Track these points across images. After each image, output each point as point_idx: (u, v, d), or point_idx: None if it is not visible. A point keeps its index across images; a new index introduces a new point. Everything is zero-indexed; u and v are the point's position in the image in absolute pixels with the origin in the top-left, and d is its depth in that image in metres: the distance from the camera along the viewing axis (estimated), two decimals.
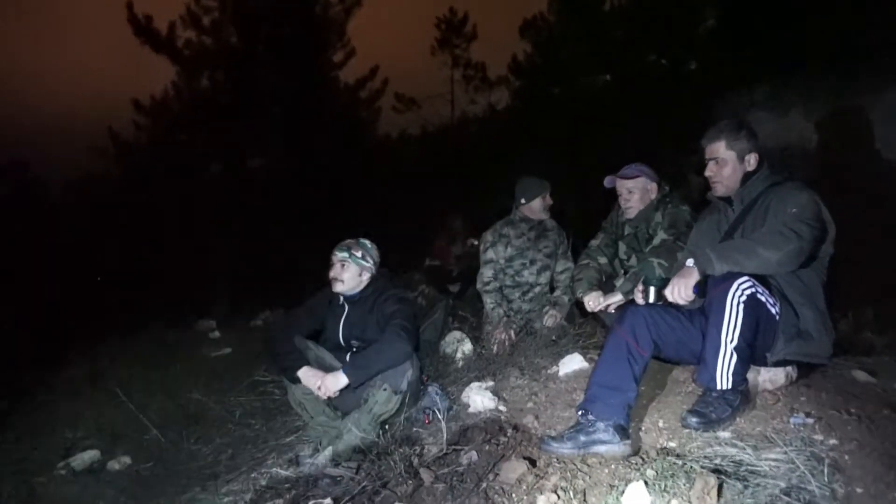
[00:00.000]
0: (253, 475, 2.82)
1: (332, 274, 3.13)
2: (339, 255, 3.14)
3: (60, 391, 4.75)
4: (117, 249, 13.44)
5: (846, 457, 1.86)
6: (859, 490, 1.69)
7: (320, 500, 2.29)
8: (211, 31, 11.72)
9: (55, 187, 18.51)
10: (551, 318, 3.95)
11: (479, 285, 4.32)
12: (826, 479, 1.72)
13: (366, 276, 3.17)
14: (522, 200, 4.19)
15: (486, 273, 4.27)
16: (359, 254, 3.14)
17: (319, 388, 2.80)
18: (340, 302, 3.19)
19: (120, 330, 6.83)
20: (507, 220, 4.31)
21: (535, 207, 4.19)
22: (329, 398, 2.89)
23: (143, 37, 11.36)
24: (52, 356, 6.05)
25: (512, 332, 3.91)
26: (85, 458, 3.43)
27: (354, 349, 3.07)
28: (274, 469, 2.79)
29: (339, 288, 3.13)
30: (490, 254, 4.27)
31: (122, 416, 3.87)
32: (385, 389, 2.76)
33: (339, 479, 2.52)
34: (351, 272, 3.13)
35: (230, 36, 11.92)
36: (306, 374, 2.87)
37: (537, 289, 4.22)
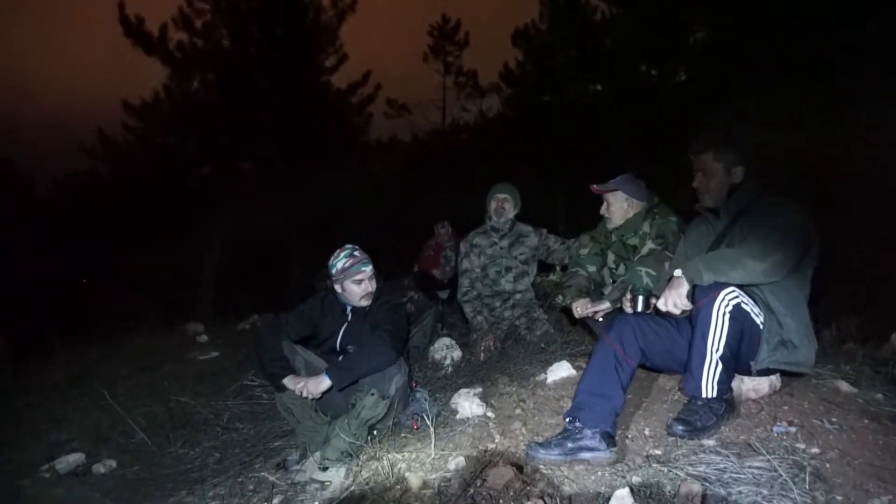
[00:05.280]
0: (240, 479, 2.81)
1: (366, 289, 3.08)
2: (367, 268, 3.08)
3: (45, 393, 4.70)
4: (104, 250, 13.34)
5: (827, 465, 1.89)
6: (839, 498, 1.72)
7: None
8: (203, 34, 11.69)
9: (42, 185, 18.37)
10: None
11: (458, 296, 4.41)
12: (807, 486, 1.75)
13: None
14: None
15: (464, 283, 4.36)
16: (371, 264, 3.13)
17: (302, 390, 2.80)
18: (346, 311, 3.17)
19: (106, 331, 6.79)
20: (480, 230, 4.39)
21: (490, 210, 4.30)
22: (317, 403, 2.89)
23: (135, 38, 11.31)
24: (37, 357, 5.99)
25: (496, 339, 3.94)
26: (70, 460, 3.39)
27: None
28: (262, 473, 2.79)
29: (368, 301, 3.10)
30: (465, 264, 4.36)
31: (109, 418, 3.84)
32: (373, 394, 2.77)
33: (326, 483, 2.52)
34: (375, 284, 3.12)
35: (222, 38, 11.90)
36: (291, 380, 2.88)
37: (518, 296, 4.26)
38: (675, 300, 2.31)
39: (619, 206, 3.43)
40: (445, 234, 6.79)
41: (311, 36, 12.74)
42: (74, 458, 3.41)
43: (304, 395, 2.80)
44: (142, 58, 11.39)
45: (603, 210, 3.51)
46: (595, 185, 3.48)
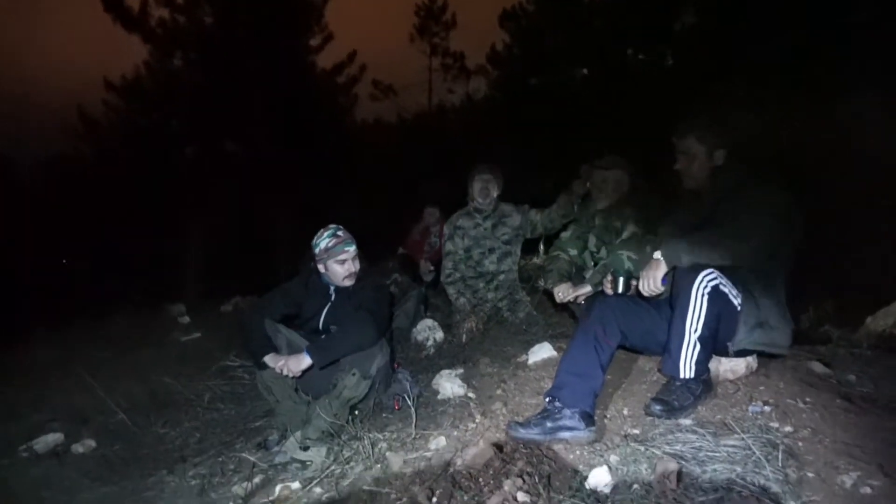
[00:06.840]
0: (221, 459, 2.81)
1: (349, 269, 3.04)
2: (351, 248, 3.04)
3: (25, 373, 4.66)
4: (86, 231, 13.16)
5: (800, 443, 1.93)
6: (810, 475, 1.76)
7: (288, 484, 2.31)
8: (184, 10, 11.47)
9: (22, 166, 18.03)
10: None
11: (442, 277, 4.42)
12: (780, 464, 1.78)
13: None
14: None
15: (447, 265, 4.37)
16: (355, 244, 3.10)
17: (283, 368, 2.79)
18: (330, 291, 3.14)
19: (88, 312, 6.72)
20: (463, 212, 4.39)
21: (474, 192, 4.30)
22: (298, 382, 2.88)
23: (114, 13, 11.06)
24: (17, 337, 5.92)
25: (478, 321, 3.95)
26: (48, 440, 3.36)
27: None
28: (242, 453, 2.79)
29: (352, 281, 3.07)
30: (449, 246, 4.37)
31: (89, 399, 3.80)
32: (354, 374, 2.76)
33: (307, 463, 2.53)
34: (358, 264, 3.10)
35: (205, 15, 11.68)
36: (272, 358, 2.85)
37: (501, 276, 4.27)
38: (650, 282, 2.34)
39: (615, 185, 3.46)
40: (433, 217, 6.75)
41: (297, 14, 12.55)
42: (53, 438, 3.38)
43: (285, 372, 2.78)
44: (122, 36, 11.18)
45: (597, 190, 3.52)
46: (590, 167, 3.49)
